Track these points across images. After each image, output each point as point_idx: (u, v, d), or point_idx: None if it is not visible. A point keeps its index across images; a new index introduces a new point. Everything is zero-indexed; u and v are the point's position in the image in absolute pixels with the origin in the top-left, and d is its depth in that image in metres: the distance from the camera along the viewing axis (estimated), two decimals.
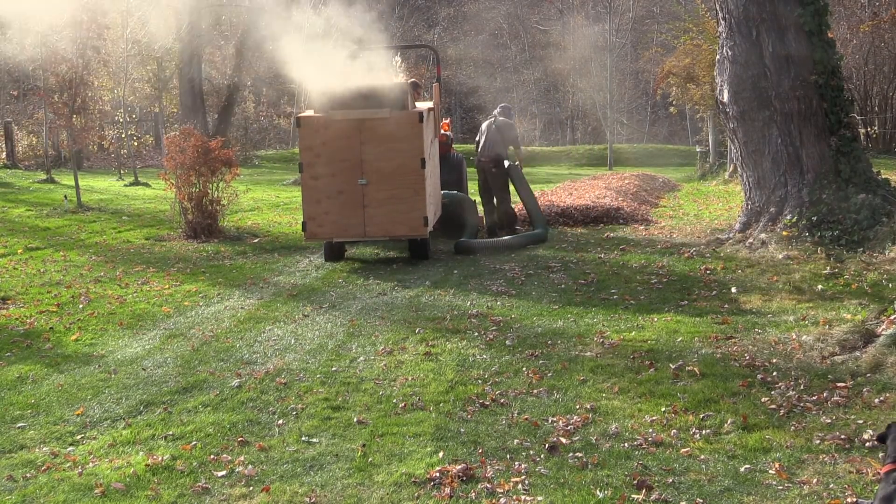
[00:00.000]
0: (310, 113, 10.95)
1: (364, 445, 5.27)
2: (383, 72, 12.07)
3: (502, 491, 4.65)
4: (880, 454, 4.02)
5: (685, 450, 5.08)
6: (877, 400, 5.63)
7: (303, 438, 5.44)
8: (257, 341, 7.64)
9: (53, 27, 17.73)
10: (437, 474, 4.81)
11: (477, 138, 13.46)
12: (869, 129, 26.87)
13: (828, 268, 8.98)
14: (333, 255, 11.28)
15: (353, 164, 10.60)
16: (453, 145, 14.09)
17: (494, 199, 13.21)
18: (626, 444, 5.19)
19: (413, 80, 13.53)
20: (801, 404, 5.64)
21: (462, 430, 5.49)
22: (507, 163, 13.08)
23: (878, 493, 3.87)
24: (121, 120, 28.00)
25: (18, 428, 5.85)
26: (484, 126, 13.39)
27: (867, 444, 4.94)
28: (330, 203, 10.69)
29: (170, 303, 9.23)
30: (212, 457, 5.21)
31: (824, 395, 5.76)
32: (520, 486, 4.70)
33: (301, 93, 27.77)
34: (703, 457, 4.98)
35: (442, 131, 13.35)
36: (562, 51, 39.73)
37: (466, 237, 12.06)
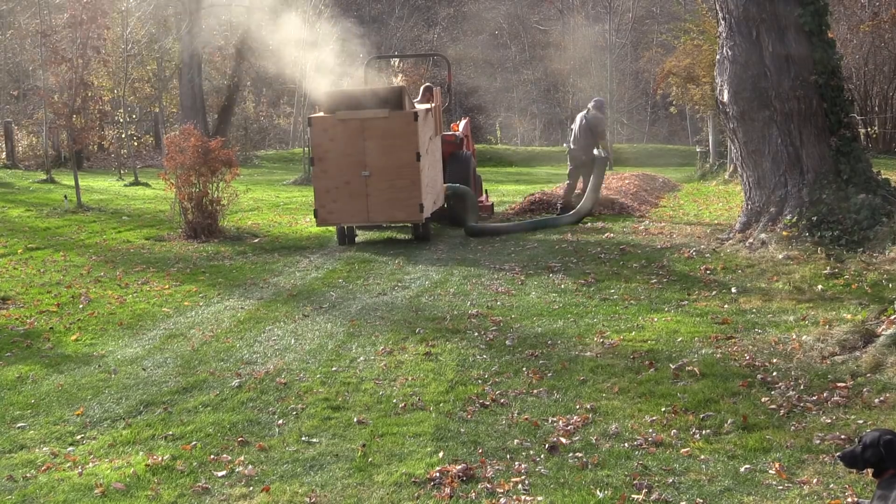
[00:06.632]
0: (320, 114, 12.19)
1: (364, 445, 5.27)
2: (390, 76, 13.71)
3: (502, 491, 4.65)
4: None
5: (685, 450, 5.08)
6: (877, 400, 5.63)
7: (303, 438, 5.44)
8: (257, 341, 7.64)
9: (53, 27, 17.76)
10: (437, 474, 4.81)
11: (571, 125, 14.81)
12: (869, 129, 26.84)
13: (828, 268, 8.98)
14: (345, 238, 12.42)
15: (356, 158, 11.79)
16: (465, 144, 15.25)
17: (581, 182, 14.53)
18: (626, 444, 5.19)
19: (427, 84, 14.89)
20: (801, 404, 5.64)
21: (462, 430, 5.49)
22: (596, 152, 14.16)
23: (876, 494, 3.87)
24: (121, 120, 28.01)
25: (18, 428, 5.85)
26: (577, 118, 14.73)
27: None
28: (338, 192, 11.90)
29: (170, 303, 9.23)
30: (212, 457, 5.21)
31: (824, 395, 5.76)
32: (520, 486, 4.70)
33: (300, 93, 27.70)
34: (703, 457, 4.98)
35: (451, 131, 15.00)
36: (562, 51, 39.66)
37: (473, 222, 13.17)
